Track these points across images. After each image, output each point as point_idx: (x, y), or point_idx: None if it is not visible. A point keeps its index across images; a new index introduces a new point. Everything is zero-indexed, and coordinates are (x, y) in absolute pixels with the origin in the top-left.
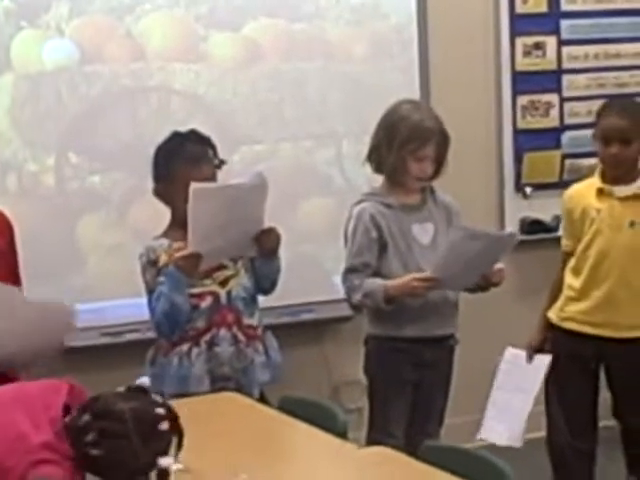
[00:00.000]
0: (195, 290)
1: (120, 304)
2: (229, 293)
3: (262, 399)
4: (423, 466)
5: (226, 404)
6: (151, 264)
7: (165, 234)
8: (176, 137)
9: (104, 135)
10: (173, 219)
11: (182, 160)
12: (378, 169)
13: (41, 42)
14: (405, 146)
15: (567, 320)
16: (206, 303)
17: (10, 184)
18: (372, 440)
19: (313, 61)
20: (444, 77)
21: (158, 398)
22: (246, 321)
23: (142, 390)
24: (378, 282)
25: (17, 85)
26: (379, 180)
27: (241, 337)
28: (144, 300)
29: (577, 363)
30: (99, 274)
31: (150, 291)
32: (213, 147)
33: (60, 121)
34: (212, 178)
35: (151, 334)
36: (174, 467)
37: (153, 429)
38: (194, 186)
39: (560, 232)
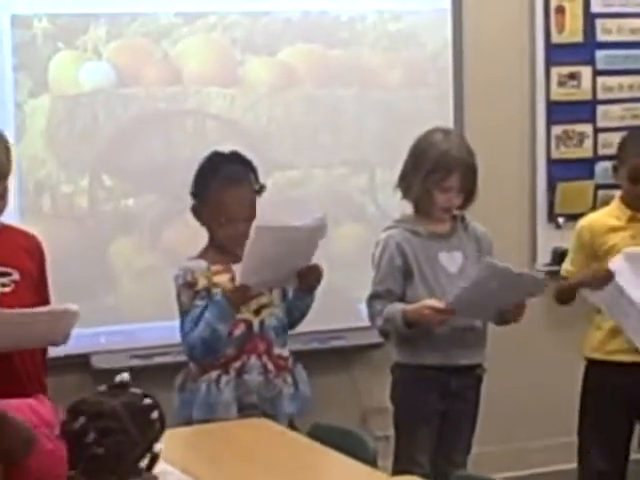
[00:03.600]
0: None
1: (151, 327)
2: (262, 322)
3: (291, 427)
4: None
5: (256, 430)
6: (188, 286)
7: (202, 255)
8: (216, 156)
9: (138, 158)
10: (211, 240)
11: (219, 179)
12: (406, 195)
13: (78, 64)
14: (429, 176)
15: (614, 353)
16: (239, 331)
17: (44, 205)
18: (398, 468)
19: (348, 88)
20: (479, 106)
21: (138, 391)
22: (277, 351)
23: (122, 386)
24: (398, 307)
25: (53, 106)
26: (410, 207)
27: (271, 367)
28: (175, 323)
29: (620, 395)
30: (131, 296)
31: (185, 312)
32: (254, 171)
33: (95, 143)
34: (251, 202)
35: (181, 357)
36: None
37: (146, 419)
38: (258, 223)
39: None
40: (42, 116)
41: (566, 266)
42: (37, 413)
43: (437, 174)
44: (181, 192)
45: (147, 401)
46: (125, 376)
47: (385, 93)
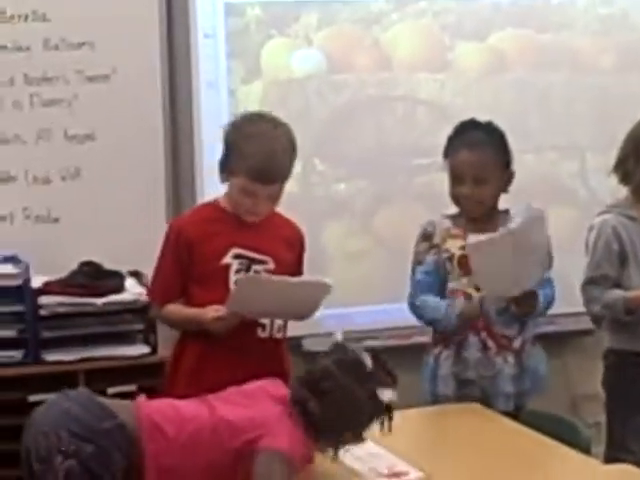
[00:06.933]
0: (451, 284)
1: (361, 311)
2: (483, 299)
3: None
4: None
5: (470, 415)
6: (425, 237)
7: (450, 216)
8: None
9: (349, 143)
10: None
11: None
12: (624, 181)
13: (290, 51)
14: None
15: None
16: (459, 302)
17: None
18: (610, 456)
19: (559, 72)
20: None
21: (356, 346)
22: (499, 330)
23: (337, 345)
24: (618, 293)
25: (266, 92)
26: (623, 192)
27: (491, 344)
28: (383, 308)
29: None
30: (342, 280)
31: (418, 262)
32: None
33: (307, 128)
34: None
35: (391, 342)
36: None
37: (360, 370)
38: (470, 241)
39: None
40: (255, 102)
41: None
42: (270, 394)
43: None
44: (391, 177)
45: (359, 354)
46: (338, 335)
47: (596, 77)
